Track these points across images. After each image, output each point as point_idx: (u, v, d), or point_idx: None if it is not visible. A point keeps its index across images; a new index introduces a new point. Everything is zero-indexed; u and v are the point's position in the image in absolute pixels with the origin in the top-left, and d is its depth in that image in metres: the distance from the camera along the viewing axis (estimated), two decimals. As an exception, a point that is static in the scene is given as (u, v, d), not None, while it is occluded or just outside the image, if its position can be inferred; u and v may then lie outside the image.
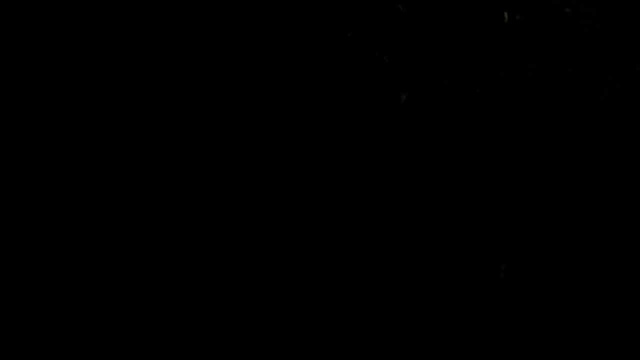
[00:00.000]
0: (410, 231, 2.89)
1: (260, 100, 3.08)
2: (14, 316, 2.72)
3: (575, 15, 3.21)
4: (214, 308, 2.76)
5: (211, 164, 2.98)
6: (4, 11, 3.06)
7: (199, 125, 3.03)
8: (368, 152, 3.01)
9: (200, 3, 3.15)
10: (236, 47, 3.14)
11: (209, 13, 3.14)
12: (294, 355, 2.71)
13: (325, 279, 2.83)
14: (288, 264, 2.85)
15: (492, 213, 2.91)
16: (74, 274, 2.80)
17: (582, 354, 2.70)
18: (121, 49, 3.10)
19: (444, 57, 3.13)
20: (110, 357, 2.69)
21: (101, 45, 3.10)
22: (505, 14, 3.00)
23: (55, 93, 3.04)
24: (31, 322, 2.73)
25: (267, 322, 2.75)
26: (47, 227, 2.86)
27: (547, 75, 3.13)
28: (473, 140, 3.02)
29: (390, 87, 3.09)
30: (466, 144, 3.00)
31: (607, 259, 2.84)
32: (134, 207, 2.91)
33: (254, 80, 3.10)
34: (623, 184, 2.95)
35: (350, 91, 3.09)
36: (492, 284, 2.82)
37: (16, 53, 3.06)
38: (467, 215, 2.91)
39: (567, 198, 2.94)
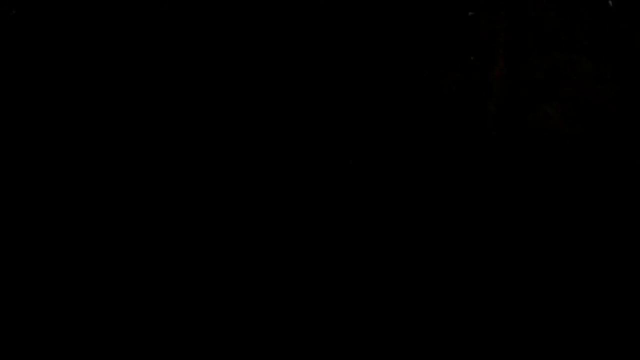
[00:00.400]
0: (407, 227, 2.89)
1: (261, 101, 3.08)
2: (15, 316, 2.73)
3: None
4: (214, 308, 2.76)
5: (212, 164, 2.98)
6: (4, 11, 3.07)
7: (200, 125, 3.03)
8: (368, 151, 3.01)
9: (199, 3, 3.15)
10: (237, 47, 3.13)
11: (208, 13, 3.14)
12: (294, 355, 2.71)
13: (325, 279, 2.82)
14: (289, 265, 2.85)
15: (489, 212, 2.91)
16: (75, 273, 2.80)
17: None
18: (120, 49, 3.10)
19: (446, 58, 3.13)
20: (110, 357, 2.69)
21: (101, 45, 3.10)
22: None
23: (56, 93, 3.05)
24: (32, 322, 2.73)
25: (267, 322, 2.75)
26: (48, 227, 2.87)
27: (547, 75, 3.12)
28: (473, 138, 3.01)
29: (394, 86, 3.09)
30: (463, 139, 3.00)
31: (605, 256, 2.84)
32: (134, 207, 2.91)
33: (256, 81, 3.10)
34: (622, 183, 2.94)
35: (352, 90, 3.09)
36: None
37: (17, 53, 3.07)
38: (463, 216, 2.91)
39: (566, 195, 2.94)
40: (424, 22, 3.16)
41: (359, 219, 2.92)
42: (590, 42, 3.14)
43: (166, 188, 2.95)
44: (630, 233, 2.86)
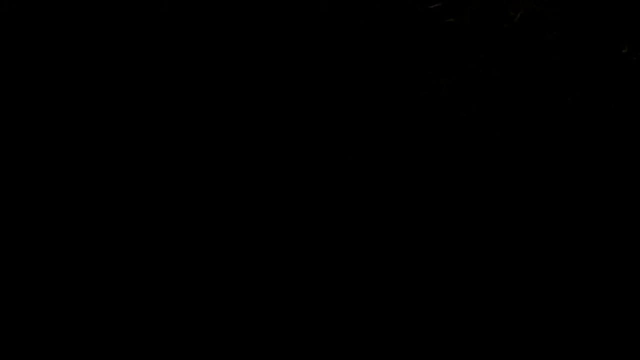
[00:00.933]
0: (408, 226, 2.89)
1: (261, 100, 3.08)
2: (15, 316, 2.72)
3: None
4: (214, 308, 2.76)
5: (211, 163, 2.98)
6: (5, 11, 3.06)
7: (199, 125, 3.02)
8: (369, 148, 3.01)
9: (200, 3, 3.14)
10: (236, 46, 3.13)
11: (208, 13, 3.14)
12: (294, 355, 2.70)
13: (325, 279, 2.82)
14: (288, 264, 2.84)
15: (487, 209, 2.91)
16: (74, 273, 2.80)
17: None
18: (121, 49, 3.09)
19: (447, 57, 3.13)
20: (110, 357, 2.69)
21: (101, 45, 3.10)
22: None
23: (56, 92, 3.04)
24: (32, 322, 2.73)
25: (267, 322, 2.74)
26: (48, 227, 2.86)
27: (544, 75, 3.12)
28: (473, 138, 3.01)
29: (395, 85, 3.08)
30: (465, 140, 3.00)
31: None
32: (134, 207, 2.90)
33: (255, 80, 3.09)
34: (619, 183, 2.94)
35: (355, 90, 3.09)
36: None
37: (17, 52, 3.06)
38: (463, 211, 2.91)
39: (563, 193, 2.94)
40: (423, 25, 3.16)
41: (359, 220, 2.91)
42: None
43: (166, 188, 2.95)
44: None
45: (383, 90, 3.09)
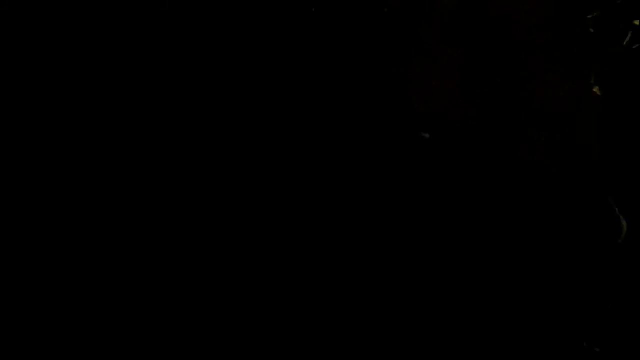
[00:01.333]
0: (410, 234, 2.90)
1: (261, 101, 3.08)
2: (14, 316, 2.73)
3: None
4: (213, 308, 2.77)
5: (212, 164, 2.98)
6: (4, 11, 3.06)
7: (199, 125, 3.03)
8: (367, 153, 3.01)
9: (200, 3, 3.14)
10: (237, 46, 3.13)
11: (209, 13, 3.14)
12: (293, 355, 2.71)
13: (325, 280, 2.83)
14: (288, 265, 2.85)
15: (481, 217, 2.92)
16: (74, 274, 2.80)
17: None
18: (121, 49, 3.09)
19: (445, 60, 3.13)
20: (109, 357, 2.70)
21: (101, 45, 3.09)
22: None
23: (56, 93, 3.04)
24: (31, 322, 2.73)
25: (267, 322, 2.75)
26: (47, 227, 2.86)
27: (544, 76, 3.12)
28: (471, 144, 3.02)
29: (391, 90, 3.09)
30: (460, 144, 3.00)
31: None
32: (134, 207, 2.91)
33: (255, 81, 3.10)
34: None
35: (352, 94, 3.09)
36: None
37: (17, 53, 3.06)
38: (458, 217, 2.92)
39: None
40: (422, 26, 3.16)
41: (358, 218, 2.92)
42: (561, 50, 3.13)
43: (165, 188, 2.95)
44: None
45: (382, 90, 3.09)
